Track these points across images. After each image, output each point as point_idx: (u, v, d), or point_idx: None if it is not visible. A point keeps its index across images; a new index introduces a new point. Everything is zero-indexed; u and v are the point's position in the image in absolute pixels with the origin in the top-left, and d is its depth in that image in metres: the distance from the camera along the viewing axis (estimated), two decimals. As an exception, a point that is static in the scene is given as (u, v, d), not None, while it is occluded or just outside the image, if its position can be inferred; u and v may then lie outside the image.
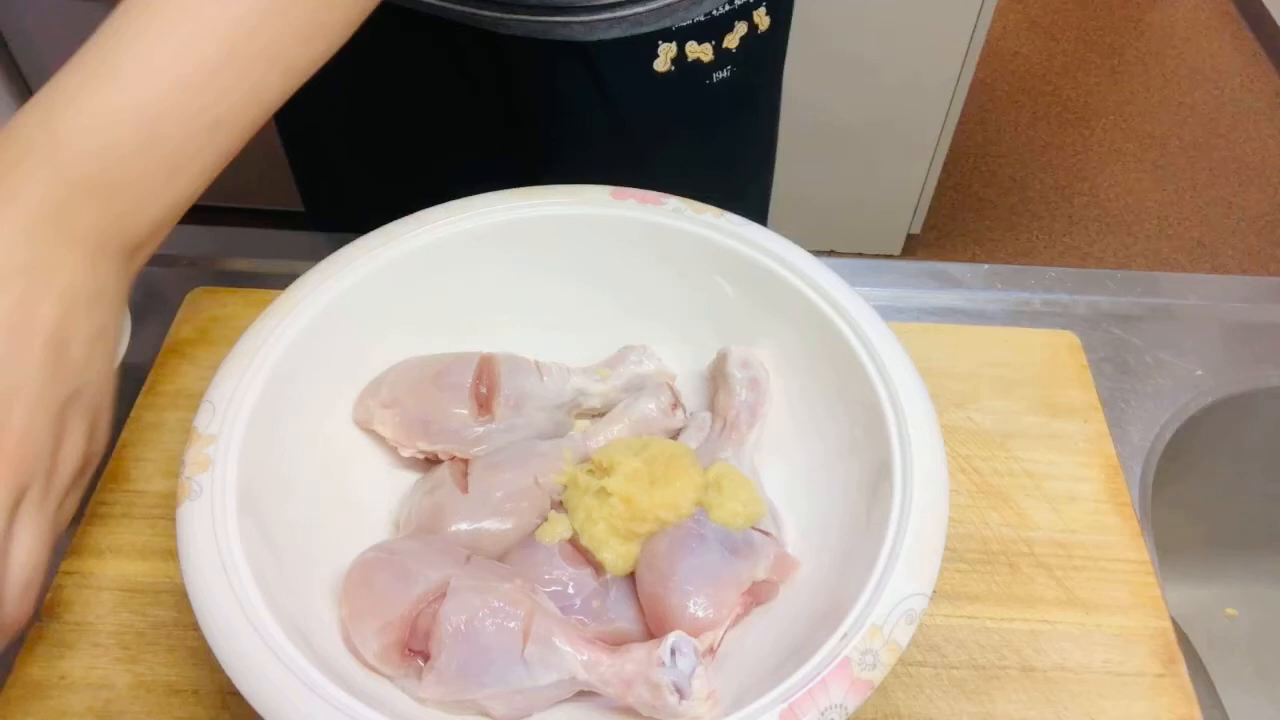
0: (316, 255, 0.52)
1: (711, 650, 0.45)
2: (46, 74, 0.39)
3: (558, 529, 0.48)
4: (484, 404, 0.52)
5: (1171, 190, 2.12)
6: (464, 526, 0.48)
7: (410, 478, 0.53)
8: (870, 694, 0.39)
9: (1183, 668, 0.51)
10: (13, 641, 0.42)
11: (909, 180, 1.83)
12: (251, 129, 0.42)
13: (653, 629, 0.45)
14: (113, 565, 0.54)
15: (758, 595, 0.47)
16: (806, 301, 0.52)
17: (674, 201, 0.55)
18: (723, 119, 0.72)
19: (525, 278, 0.56)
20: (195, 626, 0.40)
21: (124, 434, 0.59)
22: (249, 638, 0.39)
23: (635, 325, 0.57)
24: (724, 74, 0.68)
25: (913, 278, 0.71)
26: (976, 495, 0.58)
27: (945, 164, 1.81)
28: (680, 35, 0.65)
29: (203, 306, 0.66)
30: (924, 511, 0.43)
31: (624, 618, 0.46)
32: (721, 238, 0.54)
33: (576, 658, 0.42)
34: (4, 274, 0.36)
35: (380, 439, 0.52)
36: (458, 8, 0.63)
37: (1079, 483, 0.58)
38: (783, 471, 0.52)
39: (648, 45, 0.64)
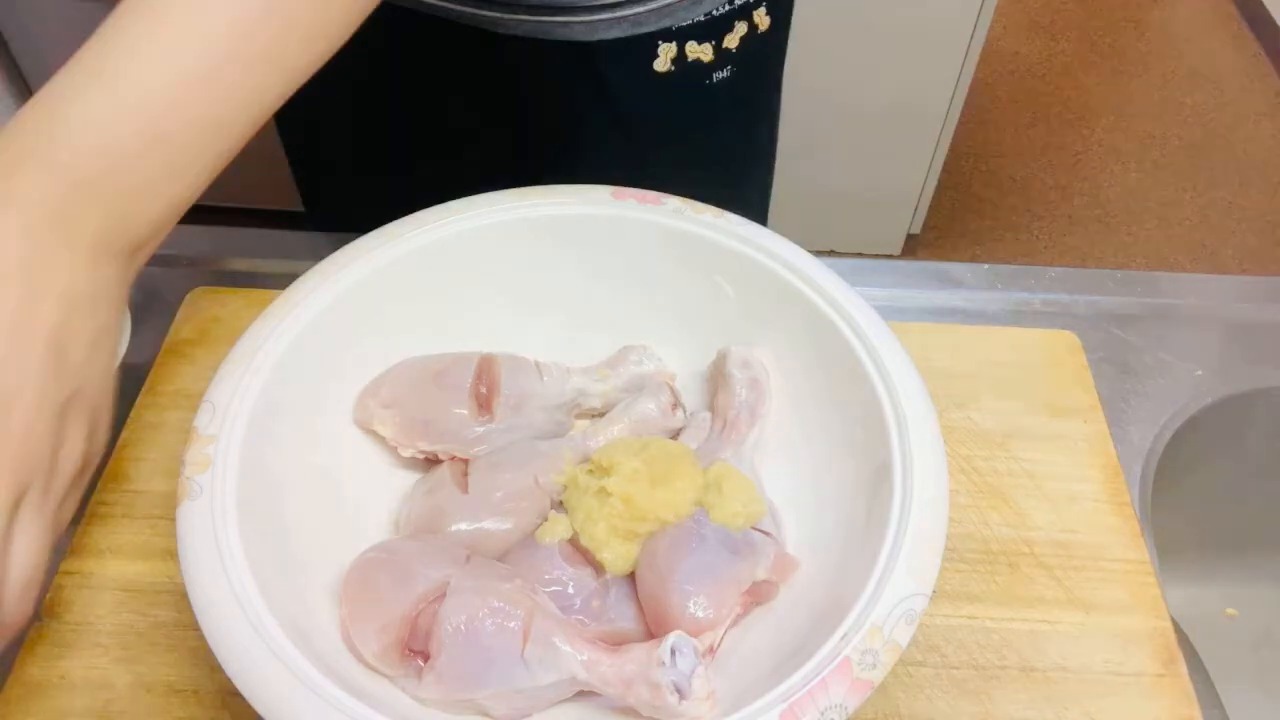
0: (316, 255, 0.52)
1: (711, 650, 0.45)
2: (46, 74, 0.38)
3: (558, 529, 0.48)
4: (484, 404, 0.52)
5: (1171, 190, 2.12)
6: (464, 526, 0.48)
7: (410, 478, 0.53)
8: (870, 694, 0.39)
9: (1183, 668, 0.51)
10: (13, 641, 0.42)
11: (909, 180, 1.83)
12: (252, 129, 0.42)
13: (653, 629, 0.45)
14: (113, 565, 0.54)
15: (758, 595, 0.47)
16: (806, 301, 0.52)
17: (674, 201, 0.55)
18: (723, 119, 0.72)
19: (525, 278, 0.56)
20: (195, 626, 0.40)
21: (124, 434, 0.59)
22: (249, 638, 0.39)
23: (635, 325, 0.57)
24: (724, 74, 0.68)
25: (913, 278, 0.71)
26: (976, 495, 0.58)
27: (945, 164, 1.81)
28: (680, 35, 0.65)
29: (203, 306, 0.66)
30: (924, 511, 0.43)
31: (624, 618, 0.46)
32: (721, 238, 0.54)
33: (576, 658, 0.42)
34: (4, 274, 0.36)
35: (380, 439, 0.52)
36: (458, 8, 0.63)
37: (1079, 483, 0.58)
38: (783, 471, 0.52)
39: (648, 45, 0.64)
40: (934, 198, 1.89)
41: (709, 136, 0.72)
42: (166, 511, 0.55)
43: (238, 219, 0.92)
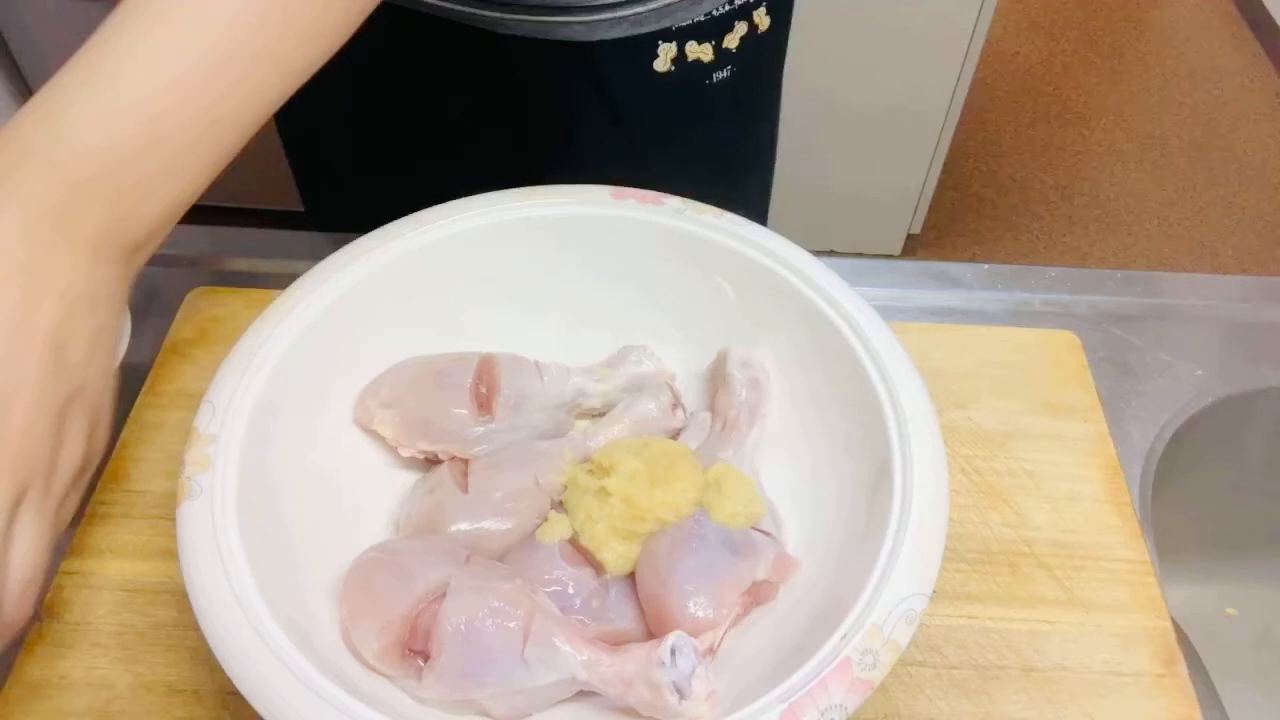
0: (316, 255, 0.52)
1: (711, 650, 0.45)
2: (46, 74, 0.39)
3: (558, 529, 0.48)
4: (484, 404, 0.52)
5: (1171, 190, 2.12)
6: (464, 526, 0.48)
7: (410, 478, 0.53)
8: (870, 694, 0.39)
9: (1183, 668, 0.51)
10: (13, 641, 0.42)
11: (909, 180, 1.83)
12: (251, 129, 0.42)
13: (653, 629, 0.45)
14: (113, 565, 0.54)
15: (758, 595, 0.47)
16: (806, 301, 0.52)
17: (674, 201, 0.55)
18: (723, 119, 0.72)
19: (525, 278, 0.56)
20: (195, 626, 0.40)
21: (124, 434, 0.59)
22: (249, 638, 0.39)
23: (635, 325, 0.57)
24: (724, 74, 0.68)
25: (913, 278, 0.71)
26: (976, 495, 0.58)
27: (945, 164, 1.81)
28: (680, 35, 0.65)
29: (203, 306, 0.66)
30: (924, 511, 0.43)
31: (624, 618, 0.46)
32: (721, 238, 0.54)
33: (576, 658, 0.42)
34: (4, 274, 0.36)
35: (380, 439, 0.52)
36: (457, 8, 0.63)
37: (1079, 483, 0.58)
38: (783, 471, 0.52)
39: (648, 45, 0.64)
40: (934, 198, 1.89)
41: (709, 136, 0.72)
42: (166, 511, 0.55)
43: (238, 219, 0.92)
